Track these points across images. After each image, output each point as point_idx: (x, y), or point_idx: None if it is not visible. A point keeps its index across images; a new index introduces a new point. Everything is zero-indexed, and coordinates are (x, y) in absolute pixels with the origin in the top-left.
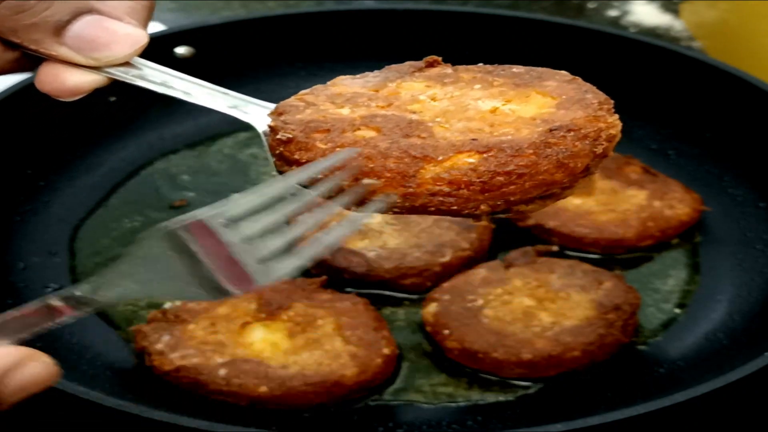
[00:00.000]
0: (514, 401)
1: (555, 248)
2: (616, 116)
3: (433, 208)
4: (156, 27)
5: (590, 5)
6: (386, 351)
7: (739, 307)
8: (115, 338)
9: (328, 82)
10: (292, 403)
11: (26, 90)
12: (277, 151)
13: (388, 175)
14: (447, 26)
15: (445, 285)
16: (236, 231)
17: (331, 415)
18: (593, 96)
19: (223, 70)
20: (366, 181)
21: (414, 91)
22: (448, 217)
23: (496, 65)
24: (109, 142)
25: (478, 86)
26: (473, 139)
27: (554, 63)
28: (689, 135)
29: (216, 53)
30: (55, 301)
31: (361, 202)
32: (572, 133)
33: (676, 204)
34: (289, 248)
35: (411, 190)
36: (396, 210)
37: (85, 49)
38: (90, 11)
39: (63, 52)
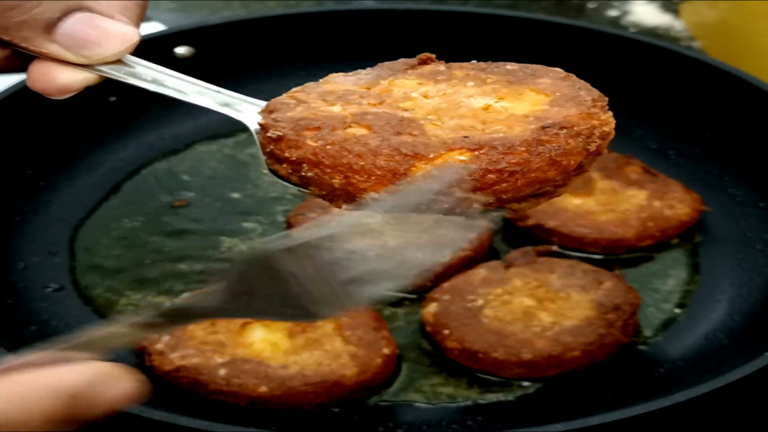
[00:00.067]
0: (514, 401)
1: (555, 248)
2: (610, 113)
3: (424, 206)
4: (156, 27)
5: (590, 5)
6: (386, 351)
7: (739, 307)
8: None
9: (321, 80)
10: (292, 403)
11: (26, 90)
12: (268, 149)
13: (379, 173)
14: (447, 26)
15: (445, 285)
16: (329, 252)
17: (331, 415)
18: (587, 93)
19: (223, 70)
20: (477, 196)
21: (406, 88)
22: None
23: (489, 62)
24: (109, 142)
25: (471, 84)
26: (465, 137)
27: (554, 63)
28: (689, 135)
29: (216, 53)
30: (145, 318)
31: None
32: (565, 131)
33: (676, 204)
34: (384, 270)
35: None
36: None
37: (75, 47)
38: (81, 9)
39: (54, 49)
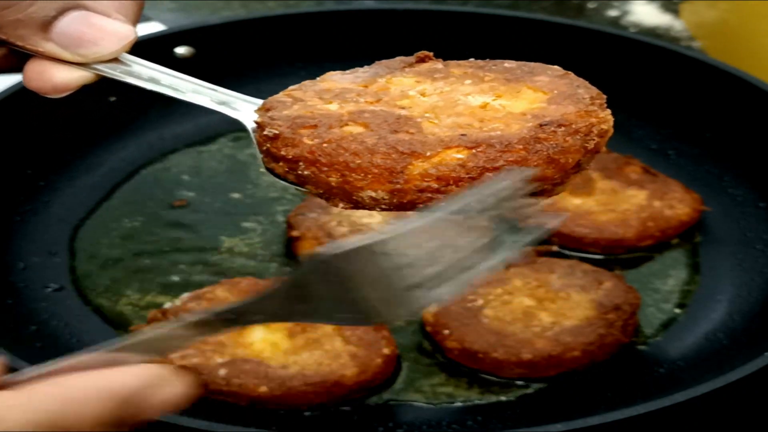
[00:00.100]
0: (514, 401)
1: (555, 248)
2: (608, 111)
3: (421, 205)
4: (156, 27)
5: (590, 5)
6: (386, 351)
7: (739, 307)
8: (115, 338)
9: (318, 78)
10: (292, 403)
11: (26, 90)
12: (264, 147)
13: (375, 171)
14: (447, 26)
15: None
16: (394, 258)
17: (331, 415)
18: (585, 91)
19: (223, 70)
20: (537, 200)
21: (404, 86)
22: None
23: (487, 60)
24: (109, 142)
25: (468, 81)
26: (462, 135)
27: (554, 63)
28: (689, 135)
29: (216, 53)
30: (199, 319)
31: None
32: (563, 129)
33: (676, 204)
34: (448, 274)
35: (399, 186)
36: (384, 207)
37: (71, 46)
38: (77, 7)
39: (49, 48)
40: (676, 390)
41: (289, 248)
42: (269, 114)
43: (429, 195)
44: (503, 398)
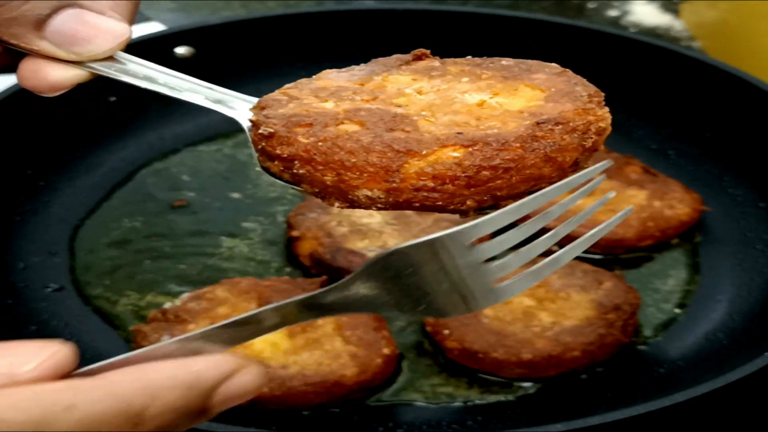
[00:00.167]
0: (514, 401)
1: (555, 248)
2: (606, 109)
3: (417, 204)
4: (156, 27)
5: (590, 5)
6: (386, 351)
7: (739, 307)
8: (115, 338)
9: (314, 76)
10: (292, 403)
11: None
12: (260, 146)
13: (371, 169)
14: (447, 26)
15: None
16: (468, 252)
17: (331, 415)
18: (583, 88)
19: (223, 70)
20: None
21: (400, 84)
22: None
23: (485, 58)
24: (109, 142)
25: (465, 79)
26: (458, 133)
27: (554, 63)
28: (689, 135)
29: (216, 53)
30: (275, 309)
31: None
32: (560, 126)
33: (676, 204)
34: (526, 266)
35: (394, 185)
36: (380, 206)
37: (65, 44)
38: (71, 5)
39: (44, 46)
40: (676, 390)
41: (289, 248)
42: (264, 112)
43: (425, 194)
44: (503, 398)
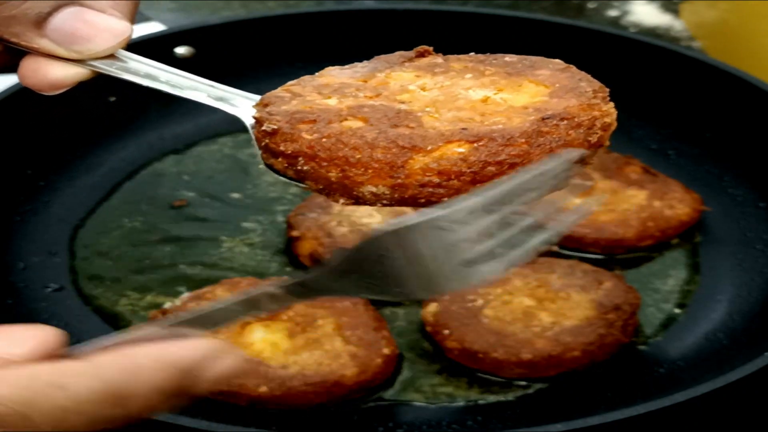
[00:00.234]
0: (514, 401)
1: (555, 248)
2: (611, 104)
3: (423, 200)
4: (156, 27)
5: (590, 5)
6: (386, 351)
7: (739, 307)
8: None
9: (316, 73)
10: (292, 403)
11: (26, 90)
12: (263, 143)
13: (376, 165)
14: (447, 26)
15: None
16: (451, 233)
17: (331, 415)
18: (587, 84)
19: (223, 70)
20: (582, 182)
21: (403, 81)
22: None
23: (488, 54)
24: (109, 142)
25: (469, 76)
26: (463, 129)
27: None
28: (689, 135)
29: (216, 53)
30: (254, 296)
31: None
32: (565, 122)
33: (676, 204)
34: (499, 251)
35: (399, 181)
36: (385, 202)
37: (66, 42)
38: (72, 3)
39: (44, 44)
40: (676, 390)
41: (289, 248)
42: (267, 109)
43: (430, 190)
44: (503, 398)
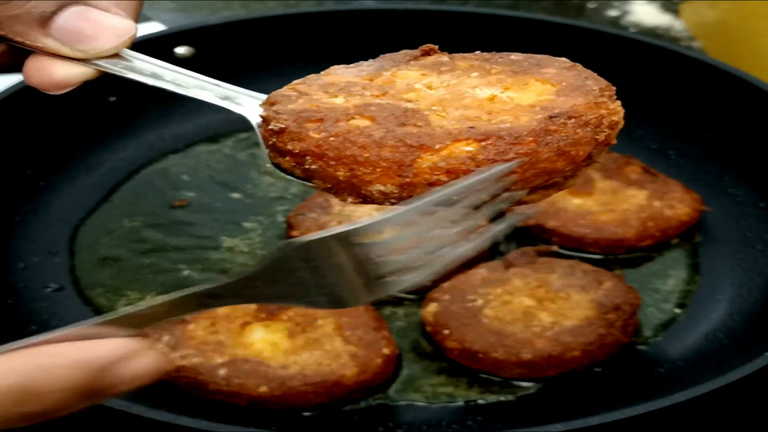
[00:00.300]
0: (514, 401)
1: (555, 248)
2: (618, 102)
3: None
4: (156, 27)
5: (590, 5)
6: (386, 351)
7: (739, 307)
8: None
9: (322, 72)
10: (292, 403)
11: (26, 90)
12: (270, 142)
13: (384, 164)
14: (447, 26)
15: (445, 285)
16: (366, 247)
17: (331, 415)
18: (594, 82)
19: (223, 70)
20: (513, 194)
21: (409, 79)
22: None
23: (493, 53)
24: (109, 142)
25: (475, 74)
26: (471, 127)
27: None
28: (689, 135)
29: (216, 53)
30: (178, 298)
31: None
32: (573, 120)
33: (676, 204)
34: (417, 262)
35: (408, 180)
36: (393, 201)
37: (70, 41)
38: (76, 2)
39: (49, 44)
40: (676, 390)
41: None
42: (274, 108)
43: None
44: (503, 398)
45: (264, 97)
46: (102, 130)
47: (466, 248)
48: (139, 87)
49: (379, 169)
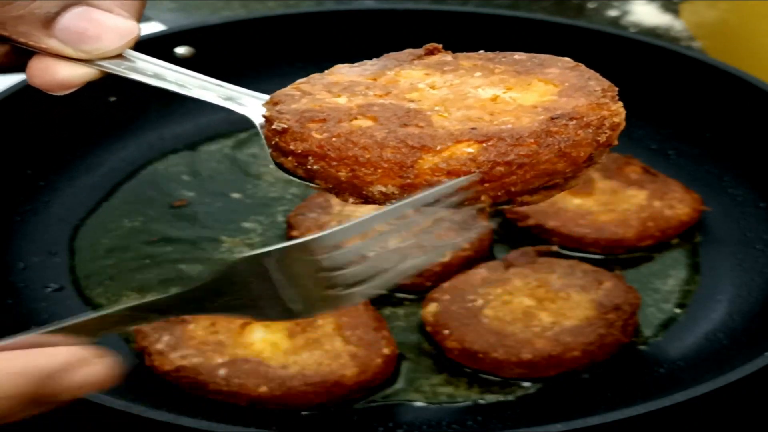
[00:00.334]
0: (514, 401)
1: (555, 248)
2: (620, 104)
3: (427, 204)
4: (156, 27)
5: (590, 5)
6: (386, 351)
7: (739, 307)
8: (115, 338)
9: (326, 71)
10: (292, 403)
11: (26, 90)
12: (273, 142)
13: (385, 165)
14: (447, 26)
15: (445, 285)
16: (319, 260)
17: (331, 415)
18: (596, 83)
19: (223, 70)
20: (475, 206)
21: (413, 79)
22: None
23: (497, 52)
24: (109, 142)
25: (478, 74)
26: (472, 128)
27: None
28: (689, 135)
29: (216, 53)
30: (132, 307)
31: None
32: (574, 122)
33: (676, 204)
34: (366, 276)
35: (408, 181)
36: (394, 201)
37: (74, 42)
38: (79, 3)
39: (52, 44)
40: (676, 390)
41: None
42: (277, 108)
43: None
44: (503, 398)
45: (266, 97)
46: (102, 130)
47: (422, 260)
48: (139, 87)
49: (380, 170)
